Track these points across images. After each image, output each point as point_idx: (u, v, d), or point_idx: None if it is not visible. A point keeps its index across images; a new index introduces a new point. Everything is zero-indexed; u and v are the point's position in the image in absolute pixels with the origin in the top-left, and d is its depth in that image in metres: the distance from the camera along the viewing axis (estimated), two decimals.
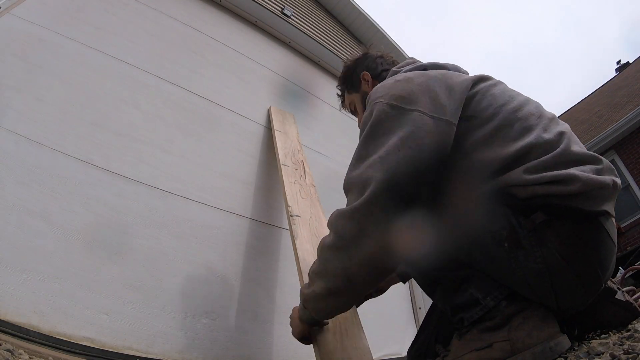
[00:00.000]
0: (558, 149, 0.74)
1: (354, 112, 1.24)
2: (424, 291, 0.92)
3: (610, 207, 0.74)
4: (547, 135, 0.77)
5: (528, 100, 0.88)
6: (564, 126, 0.83)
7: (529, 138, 0.76)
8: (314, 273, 0.85)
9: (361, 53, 1.26)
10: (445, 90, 0.82)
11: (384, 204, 0.71)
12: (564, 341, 0.71)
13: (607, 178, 0.73)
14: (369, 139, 0.79)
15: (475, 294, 0.77)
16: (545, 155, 0.73)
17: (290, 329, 1.06)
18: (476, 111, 0.81)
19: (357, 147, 0.82)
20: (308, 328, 1.02)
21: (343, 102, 1.31)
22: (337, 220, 0.78)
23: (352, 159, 0.81)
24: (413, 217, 0.73)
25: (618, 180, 0.76)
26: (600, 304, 0.84)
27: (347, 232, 0.76)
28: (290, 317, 1.07)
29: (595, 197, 0.71)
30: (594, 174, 0.72)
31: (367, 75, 1.17)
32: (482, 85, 0.87)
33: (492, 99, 0.84)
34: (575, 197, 0.70)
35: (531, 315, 0.73)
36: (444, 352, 0.83)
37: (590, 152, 0.78)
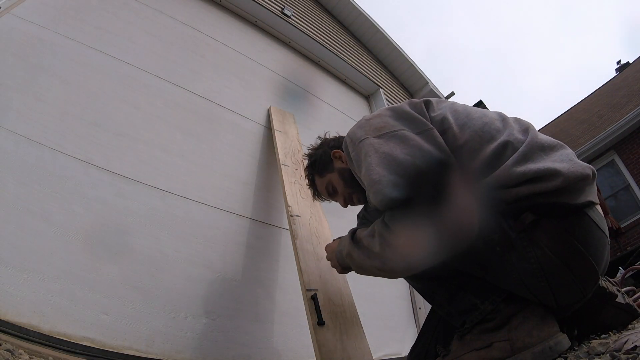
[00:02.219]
0: (527, 139, 0.78)
1: (332, 193, 1.21)
2: (424, 299, 0.95)
3: (593, 196, 0.75)
4: (517, 133, 0.81)
5: (485, 111, 0.92)
6: (528, 123, 0.87)
7: (502, 137, 0.79)
8: (373, 252, 0.83)
9: (318, 142, 1.28)
10: (410, 111, 0.89)
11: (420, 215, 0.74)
12: (564, 340, 0.71)
13: (585, 168, 0.74)
14: (374, 165, 0.80)
15: (473, 299, 0.79)
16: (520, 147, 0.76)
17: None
18: (445, 124, 0.85)
19: (365, 175, 0.82)
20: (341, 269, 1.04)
21: (315, 190, 1.27)
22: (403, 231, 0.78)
23: (365, 170, 0.82)
24: (417, 225, 0.75)
25: (594, 169, 0.78)
26: (601, 306, 0.85)
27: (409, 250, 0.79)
28: (329, 246, 1.11)
29: (578, 189, 0.73)
30: (568, 161, 0.74)
31: (337, 152, 1.17)
32: (433, 101, 0.94)
33: (453, 112, 0.88)
34: (559, 192, 0.71)
35: (530, 315, 0.74)
36: (443, 352, 0.85)
37: (554, 139, 0.82)
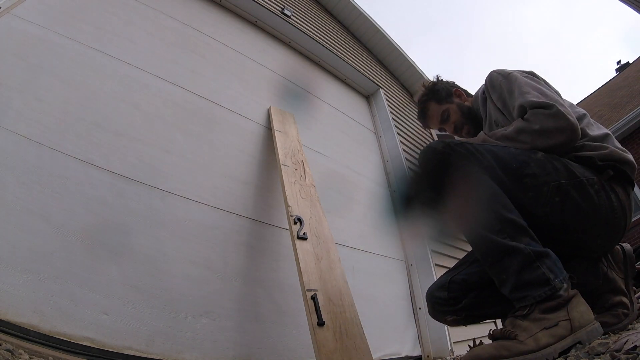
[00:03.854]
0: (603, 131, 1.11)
1: (444, 120, 1.41)
2: (481, 257, 0.98)
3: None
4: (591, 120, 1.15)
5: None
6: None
7: (586, 119, 1.12)
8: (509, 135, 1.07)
9: (429, 82, 1.51)
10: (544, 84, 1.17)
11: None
12: (600, 326, 0.84)
13: (631, 158, 1.04)
14: (524, 85, 1.10)
15: (547, 273, 0.86)
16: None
17: None
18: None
19: (517, 87, 1.10)
20: None
21: (423, 114, 1.47)
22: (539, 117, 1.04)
23: (517, 92, 1.09)
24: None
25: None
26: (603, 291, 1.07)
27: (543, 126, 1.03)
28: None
29: (633, 171, 1.03)
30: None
31: (459, 91, 1.43)
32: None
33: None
34: (629, 168, 1.01)
35: (581, 300, 0.86)
36: (509, 331, 0.86)
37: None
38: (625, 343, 0.59)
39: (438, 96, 1.41)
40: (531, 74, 1.17)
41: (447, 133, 1.45)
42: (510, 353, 0.80)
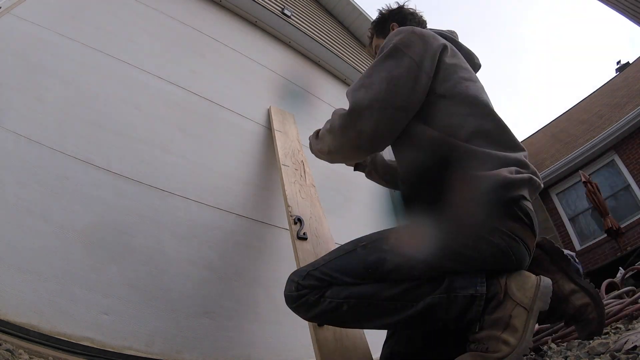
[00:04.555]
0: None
1: (375, 55, 1.39)
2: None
3: None
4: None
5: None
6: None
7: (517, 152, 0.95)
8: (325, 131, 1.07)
9: (397, 5, 1.41)
10: (430, 53, 0.98)
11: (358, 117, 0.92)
12: (546, 281, 0.78)
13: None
14: (374, 67, 0.96)
15: (469, 290, 0.79)
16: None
17: None
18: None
19: (369, 68, 0.99)
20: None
21: (370, 44, 1.45)
22: (333, 116, 1.03)
23: (363, 75, 0.98)
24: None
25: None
26: (568, 293, 0.90)
27: (335, 125, 1.00)
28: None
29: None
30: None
31: (395, 25, 1.33)
32: (449, 51, 1.06)
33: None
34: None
35: (510, 276, 0.80)
36: (481, 347, 0.79)
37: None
38: (625, 343, 0.59)
39: (377, 29, 1.40)
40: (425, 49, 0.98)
41: None
42: None
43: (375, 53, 1.37)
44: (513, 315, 0.75)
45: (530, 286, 0.76)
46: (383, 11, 1.40)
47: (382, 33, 1.35)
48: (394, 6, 1.39)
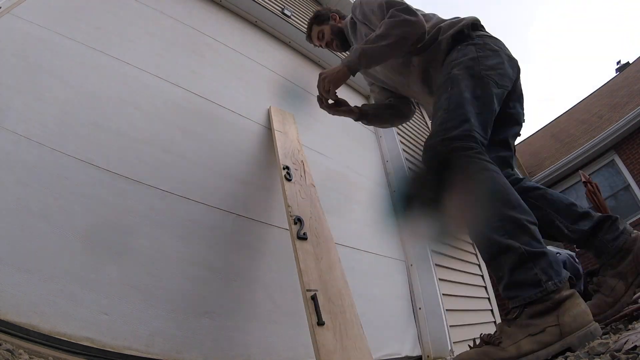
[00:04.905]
0: None
1: (320, 38, 1.69)
2: (481, 254, 0.98)
3: None
4: None
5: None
6: None
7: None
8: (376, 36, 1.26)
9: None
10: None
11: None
12: (598, 327, 0.80)
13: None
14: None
15: (540, 275, 0.83)
16: None
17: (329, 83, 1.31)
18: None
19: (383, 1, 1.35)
20: (346, 76, 1.30)
21: (309, 34, 1.74)
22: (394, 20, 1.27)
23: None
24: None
25: None
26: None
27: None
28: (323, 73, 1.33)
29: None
30: None
31: (335, 15, 1.69)
32: None
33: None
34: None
35: (576, 302, 0.82)
36: (495, 337, 0.85)
37: None
38: (625, 343, 0.59)
39: (319, 19, 1.70)
40: None
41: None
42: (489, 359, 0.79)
43: (318, 37, 1.69)
44: (547, 331, 0.79)
45: (580, 324, 0.79)
46: (316, 10, 1.75)
47: (323, 22, 1.68)
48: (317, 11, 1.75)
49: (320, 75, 1.33)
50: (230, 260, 1.54)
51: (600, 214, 1.12)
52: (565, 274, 0.86)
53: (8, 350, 0.82)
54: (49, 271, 1.10)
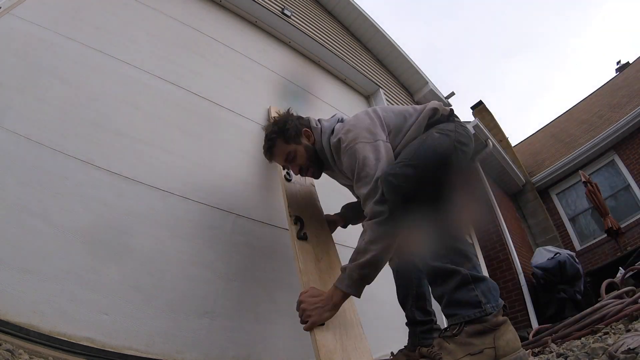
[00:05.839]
0: None
1: (290, 160, 1.41)
2: (427, 278, 1.09)
3: None
4: None
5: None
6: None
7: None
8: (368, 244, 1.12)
9: (280, 115, 1.50)
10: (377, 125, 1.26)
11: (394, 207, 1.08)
12: (526, 353, 0.88)
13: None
14: (363, 167, 1.14)
15: (480, 297, 0.91)
16: None
17: (310, 315, 1.11)
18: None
19: (357, 173, 1.16)
20: (338, 304, 1.12)
21: (269, 151, 1.45)
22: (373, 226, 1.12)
23: (358, 179, 1.16)
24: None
25: None
26: None
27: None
28: (304, 303, 1.12)
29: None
30: None
31: (308, 132, 1.42)
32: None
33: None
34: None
35: (509, 329, 0.89)
36: (435, 352, 0.91)
37: None
38: (621, 346, 0.59)
39: (286, 135, 1.39)
40: (371, 120, 1.26)
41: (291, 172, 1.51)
42: None
43: (287, 158, 1.41)
44: (485, 352, 0.86)
45: (512, 348, 0.86)
46: (278, 119, 1.46)
47: (293, 139, 1.40)
48: (281, 120, 1.44)
49: (299, 303, 1.14)
50: (230, 260, 1.54)
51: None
52: (501, 301, 0.94)
53: (8, 350, 0.82)
54: (49, 271, 1.10)
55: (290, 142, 1.39)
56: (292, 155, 1.40)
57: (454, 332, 0.91)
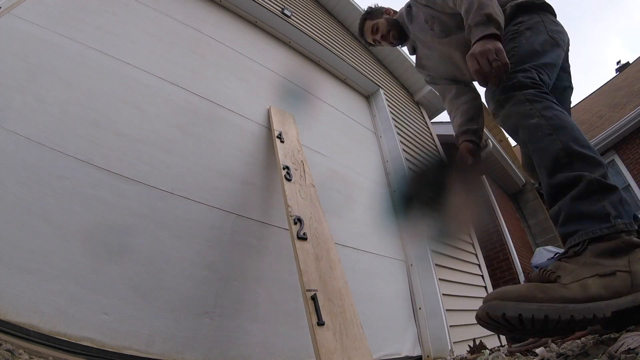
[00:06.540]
0: None
1: (375, 31, 1.69)
2: (547, 200, 0.83)
3: None
4: None
5: None
6: None
7: None
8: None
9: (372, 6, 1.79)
10: None
11: None
12: None
13: None
14: None
15: (609, 209, 0.70)
16: None
17: None
18: None
19: None
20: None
21: (362, 30, 1.73)
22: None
23: None
24: None
25: None
26: None
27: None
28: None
29: None
30: None
31: (388, 9, 1.72)
32: None
33: None
34: None
35: None
36: (551, 273, 0.70)
37: None
38: (621, 346, 0.59)
39: (371, 15, 1.72)
40: None
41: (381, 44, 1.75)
42: (546, 296, 0.62)
43: (372, 31, 1.68)
44: (618, 275, 0.65)
45: None
46: (368, 7, 1.77)
47: (376, 17, 1.69)
48: (369, 7, 1.76)
49: (478, 72, 0.98)
50: (230, 260, 1.54)
51: None
52: (636, 219, 0.72)
53: (8, 350, 0.82)
54: (49, 271, 1.10)
55: (374, 18, 1.70)
56: (375, 27, 1.68)
57: (575, 250, 0.70)
